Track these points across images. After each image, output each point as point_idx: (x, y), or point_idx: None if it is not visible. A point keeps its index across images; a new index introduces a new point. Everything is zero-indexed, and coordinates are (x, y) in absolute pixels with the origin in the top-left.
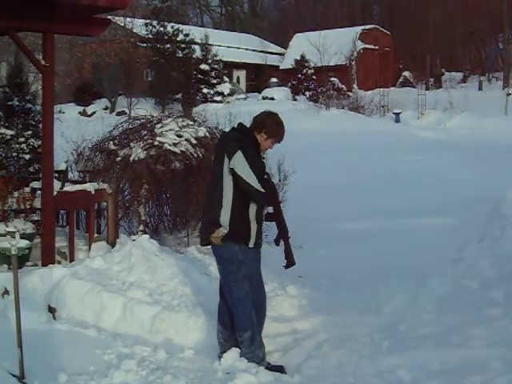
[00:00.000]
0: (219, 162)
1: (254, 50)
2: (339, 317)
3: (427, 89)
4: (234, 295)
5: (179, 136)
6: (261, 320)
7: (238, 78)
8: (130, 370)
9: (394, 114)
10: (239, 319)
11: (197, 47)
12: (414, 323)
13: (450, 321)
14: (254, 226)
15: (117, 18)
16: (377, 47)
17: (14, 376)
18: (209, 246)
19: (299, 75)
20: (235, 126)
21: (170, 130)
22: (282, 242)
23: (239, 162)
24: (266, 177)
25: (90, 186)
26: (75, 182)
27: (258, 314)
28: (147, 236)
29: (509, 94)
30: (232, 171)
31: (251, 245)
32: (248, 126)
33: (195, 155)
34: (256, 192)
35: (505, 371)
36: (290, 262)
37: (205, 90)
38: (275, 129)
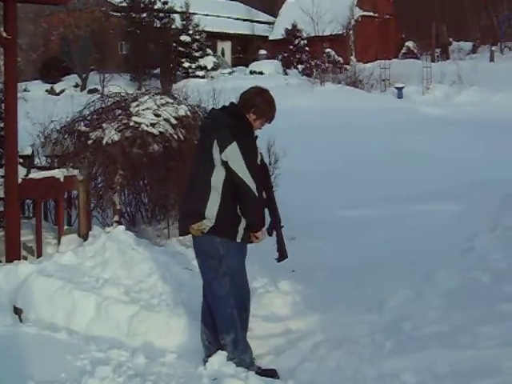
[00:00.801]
0: (207, 147)
1: (240, 19)
2: (337, 315)
3: (433, 60)
4: (215, 293)
5: (157, 115)
6: (245, 321)
7: (223, 51)
8: (106, 376)
9: (396, 88)
10: (220, 320)
11: (177, 16)
12: (419, 321)
13: (459, 318)
14: (243, 222)
15: None
16: (376, 14)
17: None
18: (191, 238)
19: (290, 47)
20: (226, 105)
21: (147, 108)
22: (274, 233)
23: (233, 156)
24: (259, 162)
25: (58, 173)
26: (42, 168)
27: (241, 314)
28: (123, 227)
29: None
30: (225, 164)
31: (238, 240)
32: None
33: (175, 137)
34: (249, 192)
35: None
36: (282, 254)
37: (186, 64)
38: (266, 108)
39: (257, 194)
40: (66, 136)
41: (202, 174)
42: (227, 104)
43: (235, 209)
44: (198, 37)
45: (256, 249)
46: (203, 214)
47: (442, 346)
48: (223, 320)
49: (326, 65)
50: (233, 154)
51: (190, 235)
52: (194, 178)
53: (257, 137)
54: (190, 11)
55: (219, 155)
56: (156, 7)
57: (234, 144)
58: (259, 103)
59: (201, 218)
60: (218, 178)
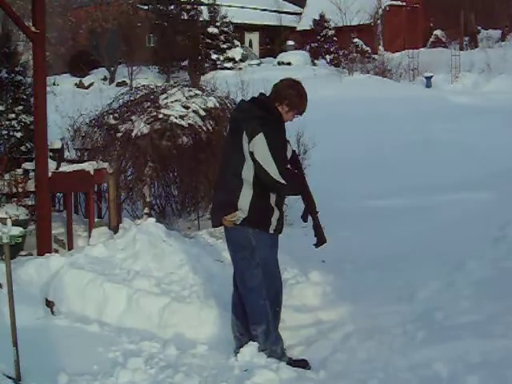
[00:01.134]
0: (237, 137)
1: (267, 10)
2: (367, 306)
3: (461, 49)
4: (247, 284)
5: (186, 107)
6: (277, 312)
7: (251, 42)
8: (138, 368)
9: (425, 78)
10: (252, 311)
11: (204, 8)
12: (450, 311)
13: (491, 308)
14: (276, 213)
15: None
16: (404, 3)
17: (9, 378)
18: (222, 229)
19: (318, 37)
20: (256, 96)
21: (176, 100)
22: (309, 219)
23: (259, 147)
24: (289, 155)
25: (88, 166)
26: (72, 162)
27: (273, 306)
28: (153, 219)
29: None
30: (251, 155)
31: (271, 231)
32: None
33: (204, 128)
34: (274, 182)
35: None
36: (320, 239)
37: (214, 56)
38: (298, 100)
39: (283, 182)
40: (95, 129)
41: (233, 167)
42: (256, 95)
43: (268, 200)
44: (225, 28)
45: (287, 240)
46: (236, 206)
47: (473, 336)
48: (255, 311)
49: (354, 55)
50: (259, 145)
51: (221, 227)
52: (226, 171)
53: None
54: (217, 3)
55: (248, 146)
56: None
57: (261, 135)
58: (292, 96)
59: (234, 210)
60: (248, 170)
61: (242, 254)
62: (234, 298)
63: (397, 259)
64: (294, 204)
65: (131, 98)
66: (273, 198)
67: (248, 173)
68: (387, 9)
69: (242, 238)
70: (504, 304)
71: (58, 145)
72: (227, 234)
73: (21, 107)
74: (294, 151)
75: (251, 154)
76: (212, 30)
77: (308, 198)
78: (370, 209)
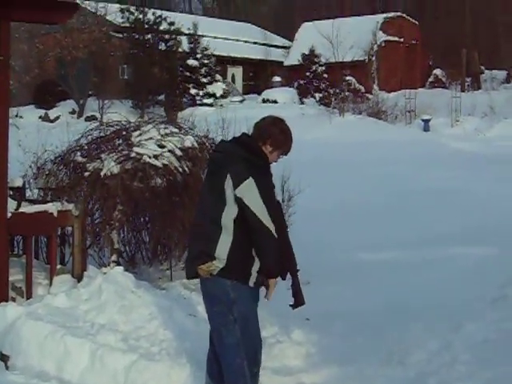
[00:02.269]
0: (217, 180)
1: (252, 43)
2: (356, 368)
3: (463, 90)
4: (223, 341)
5: (161, 146)
6: (255, 375)
7: (234, 77)
8: None
9: (423, 120)
10: (229, 371)
11: (183, 38)
12: (446, 377)
13: (490, 374)
14: (256, 263)
15: (86, 1)
16: (402, 39)
17: None
18: (197, 281)
19: (308, 73)
20: (238, 136)
21: (150, 138)
22: (288, 276)
23: (250, 193)
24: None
25: (51, 207)
26: (34, 202)
27: (251, 367)
28: (121, 268)
29: None
30: (239, 201)
31: (251, 283)
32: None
33: (180, 170)
34: (267, 234)
35: None
36: (298, 300)
37: (193, 91)
38: (282, 139)
39: (276, 236)
40: (60, 167)
41: (212, 212)
42: (238, 135)
43: (248, 249)
44: (206, 61)
45: (265, 293)
46: (213, 255)
47: None
48: (232, 371)
49: (346, 94)
50: (249, 191)
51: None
52: (203, 217)
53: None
54: (199, 33)
55: (232, 192)
56: (161, 28)
57: (251, 180)
58: (275, 134)
59: (210, 259)
60: (228, 216)
61: (218, 308)
62: (209, 356)
63: (389, 317)
64: None
65: (101, 135)
66: (254, 246)
67: (228, 219)
68: (383, 45)
69: (220, 290)
70: (503, 370)
71: (19, 183)
72: (203, 286)
73: None
74: (278, 201)
75: (239, 200)
76: (192, 62)
77: (288, 255)
78: (361, 262)
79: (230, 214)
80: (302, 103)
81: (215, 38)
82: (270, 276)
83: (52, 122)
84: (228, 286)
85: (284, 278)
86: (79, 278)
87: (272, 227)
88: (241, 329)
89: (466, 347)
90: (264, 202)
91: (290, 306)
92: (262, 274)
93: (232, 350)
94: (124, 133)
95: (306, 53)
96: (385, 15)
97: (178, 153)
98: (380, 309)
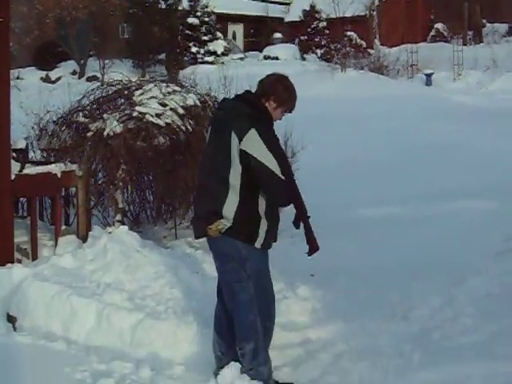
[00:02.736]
0: (222, 139)
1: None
2: (360, 324)
3: (465, 44)
4: (237, 298)
5: (163, 105)
6: (268, 329)
7: (234, 34)
8: None
9: (425, 75)
10: (241, 327)
11: None
12: (450, 330)
13: (494, 327)
14: (263, 223)
15: None
16: None
17: None
18: (202, 239)
19: (308, 29)
20: (240, 93)
21: (152, 97)
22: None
23: (254, 143)
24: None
25: (55, 168)
26: (37, 163)
27: (264, 322)
28: (126, 227)
29: None
30: (243, 153)
31: (257, 245)
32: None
33: (183, 128)
34: (274, 177)
35: None
36: (313, 246)
37: (194, 49)
38: (286, 96)
39: (283, 178)
40: (63, 128)
41: (219, 171)
42: (240, 93)
43: (255, 209)
44: (206, 19)
45: (272, 250)
46: (221, 214)
47: (475, 358)
48: (244, 327)
49: (348, 49)
50: (252, 141)
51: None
52: (208, 176)
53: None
54: None
55: (238, 149)
56: None
57: (253, 131)
58: (279, 90)
59: (218, 218)
60: (235, 176)
61: (231, 266)
62: (217, 313)
63: (392, 273)
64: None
65: (103, 94)
66: (262, 206)
67: (235, 178)
68: None
69: (231, 248)
70: (507, 323)
71: (22, 144)
72: (213, 245)
73: None
74: (285, 155)
75: (243, 152)
76: (192, 20)
77: (299, 202)
78: (365, 218)
79: (236, 173)
80: (304, 59)
81: None
82: (299, 212)
83: (53, 83)
84: (239, 243)
85: (298, 227)
86: (84, 239)
87: (278, 171)
88: (254, 285)
89: (470, 301)
90: (268, 149)
91: (306, 253)
92: (271, 233)
93: (246, 307)
94: (126, 92)
95: (307, 8)
96: None
97: (181, 111)
98: (383, 265)
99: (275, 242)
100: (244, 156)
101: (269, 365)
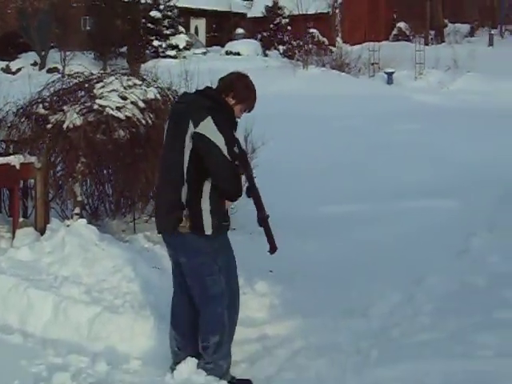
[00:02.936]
0: (180, 129)
1: None
2: (319, 320)
3: (426, 44)
4: (209, 291)
5: (124, 98)
6: (234, 323)
7: (197, 29)
8: None
9: (386, 73)
10: (209, 320)
11: None
12: (408, 328)
13: (452, 325)
14: (206, 205)
15: None
16: None
17: None
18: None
19: (271, 25)
20: (201, 89)
21: (113, 90)
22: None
23: (207, 125)
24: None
25: (14, 160)
26: None
27: (231, 314)
28: (84, 221)
29: None
30: (195, 135)
31: (208, 231)
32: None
33: (143, 122)
34: (223, 158)
35: None
36: (273, 246)
37: (156, 43)
38: (245, 93)
39: (230, 160)
40: (22, 119)
41: (175, 164)
42: (201, 88)
43: (199, 193)
44: (169, 13)
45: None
46: (182, 204)
47: (434, 356)
48: (212, 320)
49: (310, 46)
50: (206, 124)
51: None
52: (168, 170)
53: (236, 123)
54: None
55: (192, 131)
56: None
57: (209, 118)
58: (239, 87)
59: (181, 209)
60: (189, 167)
61: (203, 259)
62: (175, 309)
63: (352, 270)
64: (239, 208)
65: (63, 87)
66: (206, 187)
67: (189, 169)
68: None
69: (203, 242)
70: (466, 321)
71: None
72: (181, 240)
73: None
74: (243, 150)
75: (196, 134)
76: (154, 13)
77: (257, 201)
78: (324, 215)
79: (189, 163)
80: (266, 55)
81: None
82: (231, 200)
83: (14, 73)
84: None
85: (261, 225)
86: (42, 231)
87: (226, 151)
88: (224, 278)
89: (429, 299)
90: (221, 132)
91: (268, 252)
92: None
93: (216, 300)
94: (86, 85)
95: (270, 5)
96: None
97: (141, 105)
98: (342, 262)
99: (228, 224)
100: (196, 137)
101: (229, 360)
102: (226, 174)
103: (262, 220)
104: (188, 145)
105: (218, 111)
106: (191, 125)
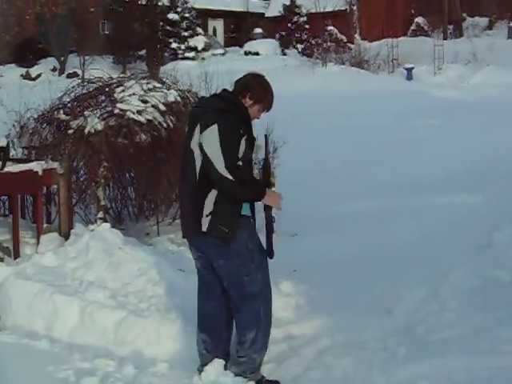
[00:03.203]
0: (193, 136)
1: None
2: (344, 318)
3: (445, 38)
4: (247, 290)
5: (144, 102)
6: (270, 318)
7: (215, 30)
8: None
9: (406, 69)
10: (245, 317)
11: None
12: (434, 324)
13: (478, 321)
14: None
15: None
16: None
17: None
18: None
19: (289, 24)
20: (218, 92)
21: (133, 94)
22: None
23: (208, 137)
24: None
25: (36, 166)
26: (18, 161)
27: (267, 312)
28: (108, 225)
29: None
30: (200, 147)
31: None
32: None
33: (165, 125)
34: (219, 176)
35: None
36: (269, 253)
37: (174, 45)
38: (262, 93)
39: (231, 178)
40: (44, 125)
41: (192, 168)
42: (219, 91)
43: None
44: (187, 15)
45: None
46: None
47: (460, 352)
48: (249, 316)
49: (328, 44)
50: (209, 135)
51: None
52: (185, 174)
53: (251, 125)
54: None
55: (198, 140)
56: None
57: (214, 126)
58: (255, 87)
59: (205, 215)
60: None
61: (240, 260)
62: (203, 310)
63: (376, 268)
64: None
65: (84, 91)
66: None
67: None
68: None
69: (240, 243)
70: (492, 316)
71: (2, 142)
72: (216, 244)
73: None
74: (266, 156)
75: (200, 145)
76: (172, 16)
77: (265, 206)
78: (347, 213)
79: (201, 169)
80: (285, 54)
81: None
82: (257, 200)
83: (34, 80)
84: (246, 236)
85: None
86: (66, 236)
87: (224, 171)
88: (261, 276)
89: (454, 295)
90: (221, 146)
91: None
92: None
93: (253, 298)
94: (107, 89)
95: (287, 3)
96: None
97: (162, 108)
98: (366, 259)
99: (253, 218)
100: (199, 145)
101: (262, 354)
102: (223, 188)
103: (268, 223)
104: (197, 152)
105: (232, 113)
106: (197, 130)
